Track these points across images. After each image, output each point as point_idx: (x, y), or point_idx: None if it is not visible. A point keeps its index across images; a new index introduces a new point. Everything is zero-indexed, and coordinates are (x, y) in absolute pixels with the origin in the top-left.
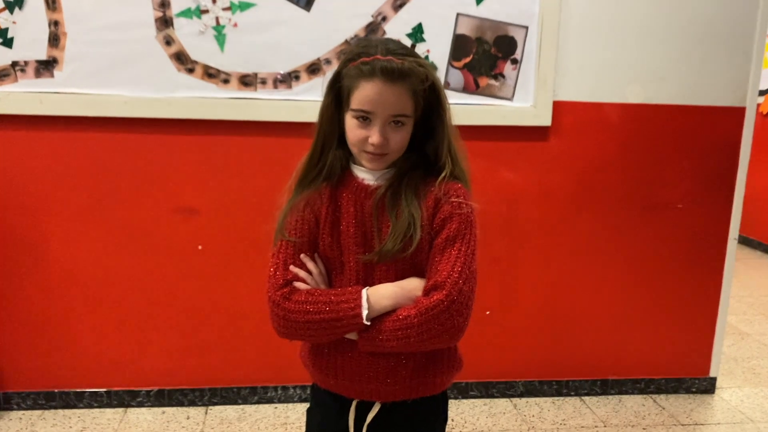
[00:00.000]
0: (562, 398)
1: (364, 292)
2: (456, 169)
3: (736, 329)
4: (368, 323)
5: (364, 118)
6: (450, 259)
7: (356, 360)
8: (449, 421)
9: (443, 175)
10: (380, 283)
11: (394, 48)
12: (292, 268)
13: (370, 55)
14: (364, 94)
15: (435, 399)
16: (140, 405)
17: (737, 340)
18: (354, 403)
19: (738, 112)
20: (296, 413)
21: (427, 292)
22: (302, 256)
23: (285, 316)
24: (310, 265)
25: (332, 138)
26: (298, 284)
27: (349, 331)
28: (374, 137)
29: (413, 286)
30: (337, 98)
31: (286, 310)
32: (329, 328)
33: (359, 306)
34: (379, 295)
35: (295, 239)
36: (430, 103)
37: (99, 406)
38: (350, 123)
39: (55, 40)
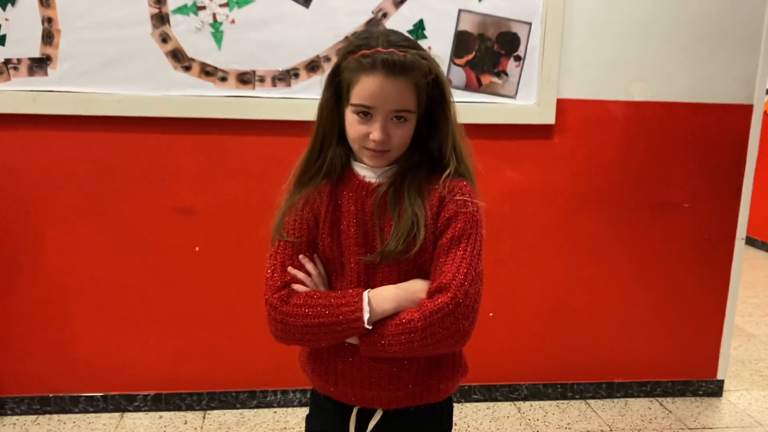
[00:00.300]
0: (566, 401)
1: (365, 294)
2: (461, 167)
3: (742, 331)
4: (370, 327)
5: (365, 113)
6: (455, 259)
7: (357, 365)
8: None
9: (447, 172)
10: (382, 285)
11: (396, 40)
12: (290, 269)
13: (371, 48)
14: (365, 88)
15: (439, 406)
16: (137, 409)
17: (744, 341)
18: (355, 410)
19: (745, 110)
20: (296, 418)
21: (431, 294)
22: (301, 257)
23: (283, 320)
24: (309, 266)
25: (332, 134)
26: (297, 286)
27: (349, 336)
28: (375, 133)
29: (417, 288)
30: (336, 93)
31: (283, 313)
32: (329, 332)
33: (360, 309)
34: (381, 298)
35: (294, 239)
36: (433, 97)
37: (95, 411)
38: (350, 118)
39: (48, 37)
